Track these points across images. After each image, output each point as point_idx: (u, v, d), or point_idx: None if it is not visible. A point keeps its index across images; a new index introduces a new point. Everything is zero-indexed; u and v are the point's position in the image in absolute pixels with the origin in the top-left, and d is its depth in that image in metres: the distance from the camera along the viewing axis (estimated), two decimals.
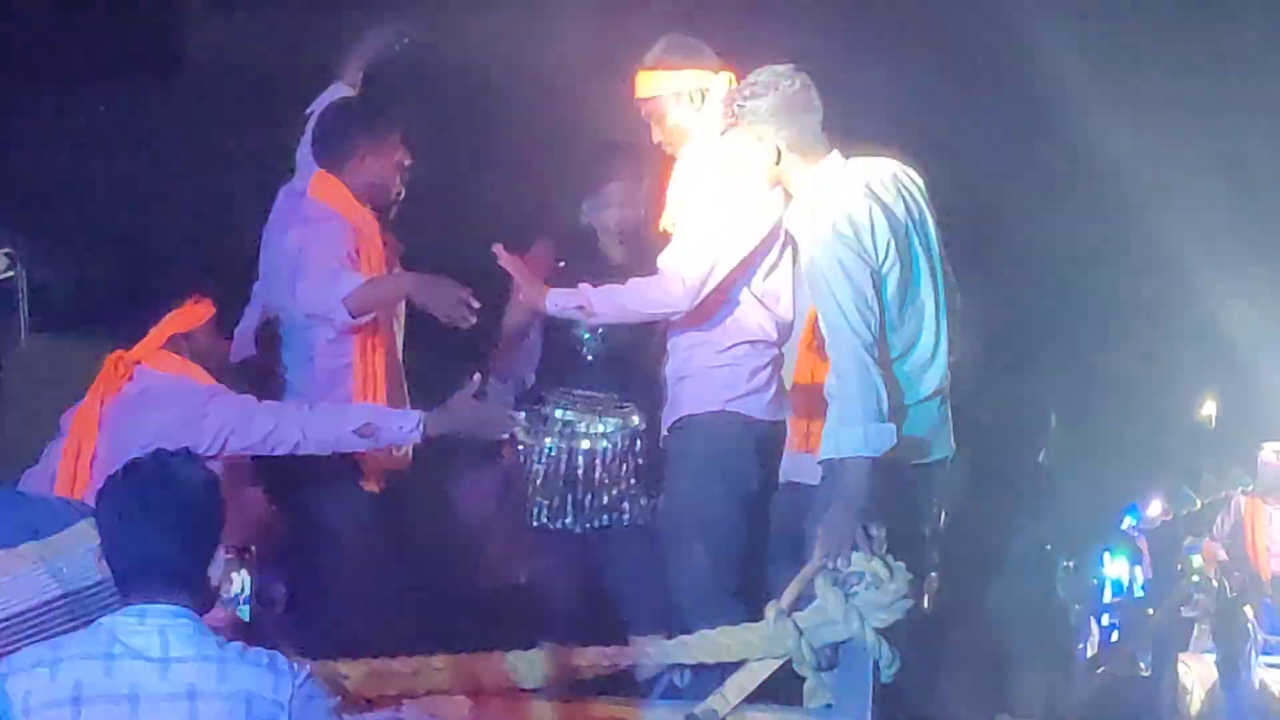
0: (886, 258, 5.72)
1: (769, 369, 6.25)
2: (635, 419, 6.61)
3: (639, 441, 6.61)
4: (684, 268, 6.06)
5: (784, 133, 5.85)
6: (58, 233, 14.03)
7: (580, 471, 6.64)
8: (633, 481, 6.60)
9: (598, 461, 6.64)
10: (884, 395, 5.58)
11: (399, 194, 6.73)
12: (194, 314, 6.38)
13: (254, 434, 6.21)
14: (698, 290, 6.07)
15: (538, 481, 6.69)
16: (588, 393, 6.68)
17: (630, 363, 6.58)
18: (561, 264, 6.74)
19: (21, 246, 7.72)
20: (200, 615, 4.07)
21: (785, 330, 6.29)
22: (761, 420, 6.19)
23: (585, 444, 6.68)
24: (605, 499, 6.63)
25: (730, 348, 6.19)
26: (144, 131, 17.57)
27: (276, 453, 6.23)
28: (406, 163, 6.70)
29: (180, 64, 18.42)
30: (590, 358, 6.64)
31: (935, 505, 6.11)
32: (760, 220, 6.14)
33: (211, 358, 6.37)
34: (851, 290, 5.62)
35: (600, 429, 6.67)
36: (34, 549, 4.29)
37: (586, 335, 6.63)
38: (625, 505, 6.61)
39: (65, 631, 4.15)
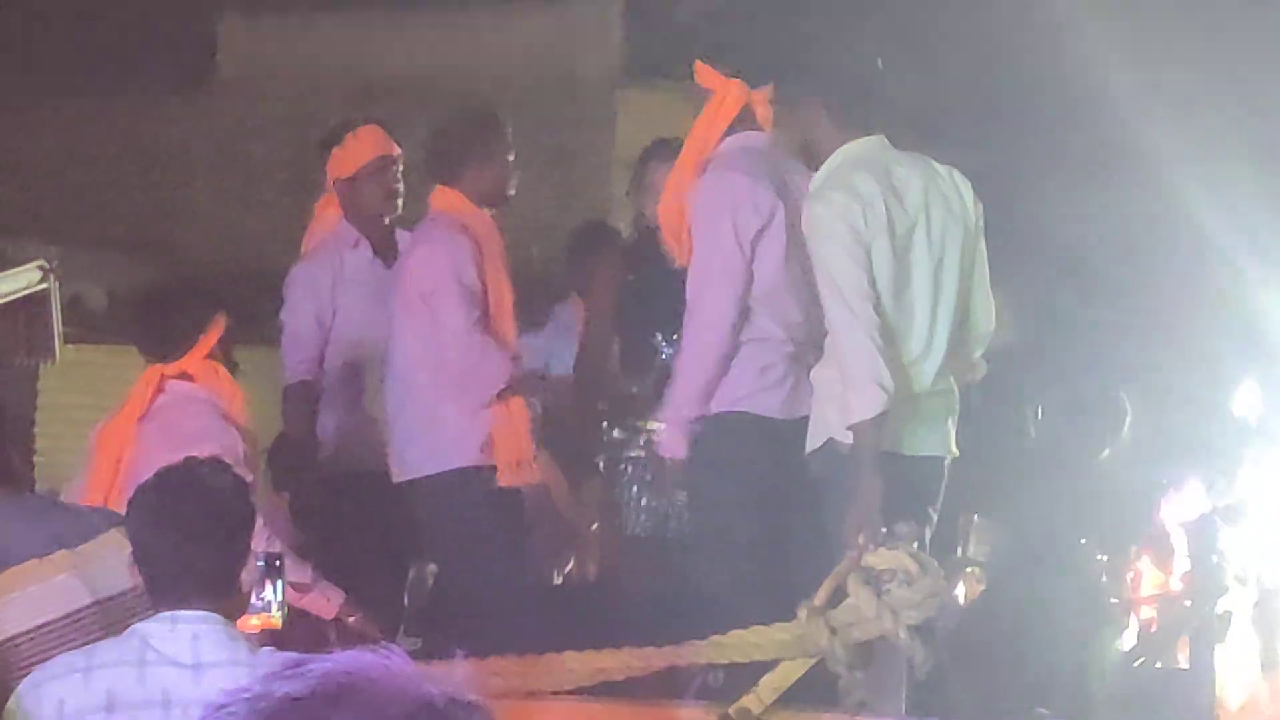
0: (877, 239, 5.79)
1: (781, 366, 6.22)
2: None
3: None
4: (712, 318, 6.08)
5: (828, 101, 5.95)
6: (90, 245, 14.14)
7: (624, 482, 6.69)
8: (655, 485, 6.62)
9: (637, 471, 6.69)
10: (879, 360, 5.67)
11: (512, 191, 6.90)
12: (221, 324, 6.40)
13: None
14: (733, 325, 6.09)
15: (632, 491, 6.73)
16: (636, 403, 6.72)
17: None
18: (631, 278, 6.82)
19: (55, 258, 7.73)
20: (233, 620, 4.09)
21: (796, 327, 6.25)
22: (776, 419, 6.16)
23: (629, 454, 6.72)
24: (638, 505, 6.68)
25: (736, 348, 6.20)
26: (177, 144, 17.64)
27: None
28: (511, 158, 6.84)
29: (213, 78, 18.54)
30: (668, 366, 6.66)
31: (934, 503, 6.10)
32: (761, 234, 6.15)
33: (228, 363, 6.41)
34: (846, 259, 5.73)
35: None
36: (66, 557, 4.32)
37: (663, 344, 6.67)
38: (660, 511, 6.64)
39: (98, 639, 4.18)
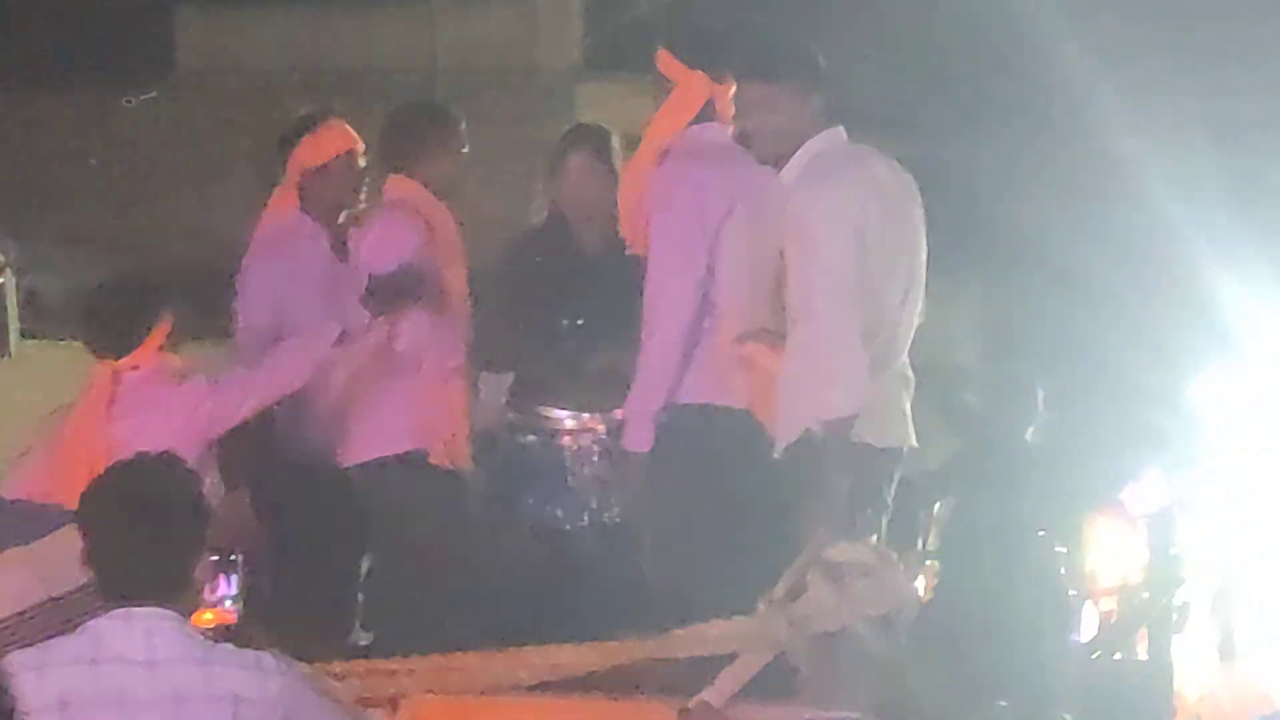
0: (872, 229, 5.80)
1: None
2: (619, 414, 6.61)
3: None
4: (675, 309, 6.07)
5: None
6: (47, 238, 14.06)
7: (566, 468, 6.65)
8: (613, 477, 6.59)
9: (583, 457, 6.65)
10: (864, 357, 5.69)
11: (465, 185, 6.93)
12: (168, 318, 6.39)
13: (230, 407, 6.26)
14: (695, 316, 6.08)
15: (527, 478, 6.70)
16: (573, 388, 6.69)
17: (612, 357, 6.57)
18: (538, 260, 6.81)
19: (11, 252, 7.68)
20: (187, 616, 4.07)
21: (757, 319, 6.23)
22: (736, 409, 6.15)
23: (569, 440, 6.69)
24: (591, 496, 6.65)
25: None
26: (135, 137, 17.56)
27: (226, 423, 6.30)
28: (464, 151, 6.87)
29: (172, 70, 18.46)
30: (572, 352, 6.66)
31: (890, 493, 6.11)
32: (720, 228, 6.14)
33: None
34: (846, 251, 5.73)
35: (583, 425, 6.69)
36: (19, 554, 4.30)
37: (568, 329, 6.65)
38: (609, 501, 6.61)
39: (52, 636, 4.15)
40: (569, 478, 6.74)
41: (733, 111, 6.21)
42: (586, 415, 6.74)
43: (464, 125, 6.90)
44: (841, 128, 6.09)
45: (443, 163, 6.78)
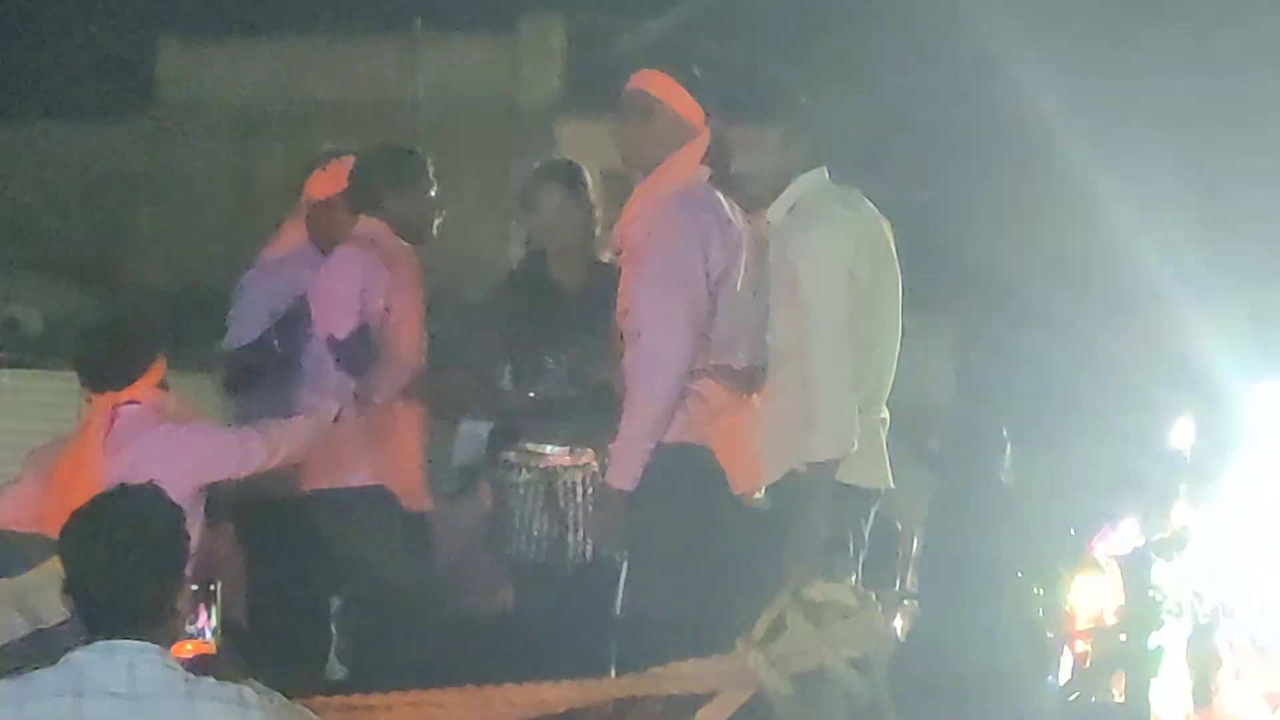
0: (869, 265, 5.83)
1: (724, 398, 6.22)
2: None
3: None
4: (674, 352, 6.09)
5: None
6: (26, 268, 14.06)
7: (558, 506, 6.65)
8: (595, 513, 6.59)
9: (572, 496, 6.66)
10: (852, 399, 5.72)
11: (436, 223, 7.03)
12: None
13: (229, 462, 6.32)
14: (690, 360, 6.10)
15: (517, 515, 6.71)
16: (561, 426, 6.69)
17: (598, 395, 6.58)
18: (521, 300, 6.83)
19: None
20: (168, 647, 4.07)
21: (740, 360, 6.25)
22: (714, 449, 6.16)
23: (563, 478, 6.70)
24: (578, 533, 6.65)
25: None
26: (114, 167, 17.57)
27: (242, 475, 6.39)
28: (432, 194, 7.00)
29: (153, 102, 18.48)
30: (560, 389, 6.66)
31: (877, 530, 6.15)
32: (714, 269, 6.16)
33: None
34: (839, 294, 5.77)
35: (574, 461, 6.69)
36: (5, 586, 4.29)
37: (552, 365, 6.66)
38: (592, 538, 6.61)
39: (35, 668, 4.14)
40: (557, 513, 6.74)
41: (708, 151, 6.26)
42: (583, 451, 6.74)
43: (430, 167, 7.03)
44: (825, 168, 6.13)
45: (408, 204, 6.91)
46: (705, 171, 6.24)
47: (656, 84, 6.33)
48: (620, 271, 6.40)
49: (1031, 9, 11.72)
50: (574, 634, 6.57)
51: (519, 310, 6.90)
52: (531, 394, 6.71)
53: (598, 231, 6.85)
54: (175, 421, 6.30)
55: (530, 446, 6.73)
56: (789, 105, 6.20)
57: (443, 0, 16.90)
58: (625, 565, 6.48)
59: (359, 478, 6.74)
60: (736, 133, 6.12)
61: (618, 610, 6.59)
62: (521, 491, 6.70)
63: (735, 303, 6.13)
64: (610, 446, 6.24)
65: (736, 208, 6.20)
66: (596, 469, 6.63)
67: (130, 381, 6.27)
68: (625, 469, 6.10)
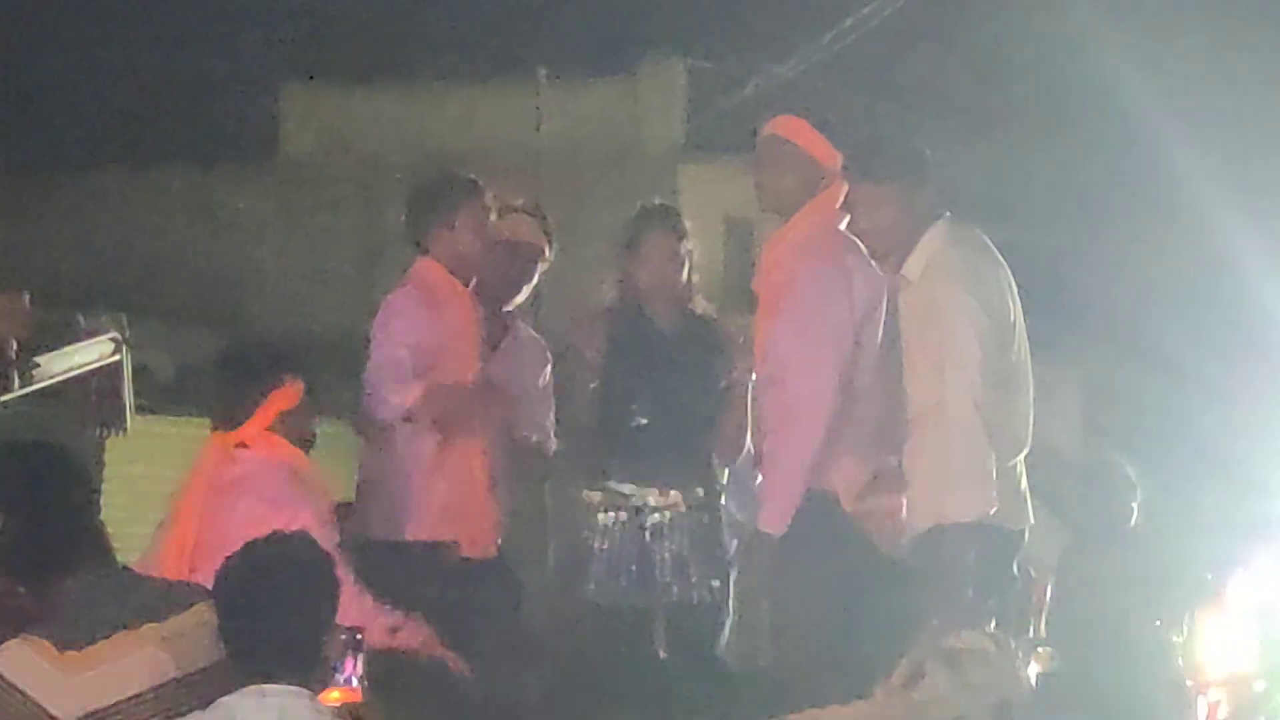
0: (1004, 317, 5.83)
1: (867, 446, 6.22)
2: (699, 490, 6.61)
3: (704, 516, 6.62)
4: (822, 399, 6.07)
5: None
6: (157, 315, 14.21)
7: (647, 546, 6.65)
8: (699, 557, 6.58)
9: (663, 536, 6.66)
10: (992, 456, 5.71)
11: (499, 263, 6.83)
12: (289, 393, 6.38)
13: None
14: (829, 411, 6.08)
15: (605, 558, 6.71)
16: (646, 466, 6.69)
17: (686, 437, 6.59)
18: (616, 340, 6.82)
19: (125, 329, 7.76)
20: (316, 694, 4.10)
21: (881, 408, 6.23)
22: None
23: (652, 518, 6.69)
24: (672, 575, 6.64)
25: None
26: (242, 214, 17.75)
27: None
28: (490, 222, 6.77)
29: (277, 148, 18.68)
30: (646, 431, 6.66)
31: (1018, 574, 6.13)
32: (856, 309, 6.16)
33: (304, 435, 6.38)
34: (979, 345, 5.75)
35: (664, 502, 6.69)
36: (153, 630, 4.33)
37: (639, 416, 6.67)
38: (694, 581, 6.60)
39: (184, 712, 4.18)
40: (648, 555, 6.73)
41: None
42: (670, 492, 6.73)
43: (488, 196, 6.76)
44: (948, 214, 6.13)
45: (461, 238, 6.69)
46: (844, 217, 6.25)
47: (790, 128, 6.36)
48: (714, 321, 6.54)
49: (1156, 53, 11.66)
50: (664, 678, 6.56)
51: (611, 349, 6.90)
52: (637, 423, 6.69)
53: (693, 279, 6.84)
54: (283, 465, 6.22)
55: (617, 486, 6.74)
56: (914, 161, 6.21)
57: (565, 46, 17.01)
58: (730, 610, 6.48)
59: (430, 531, 6.57)
60: (861, 189, 6.13)
61: (719, 653, 6.57)
62: (608, 532, 6.70)
63: (872, 352, 6.13)
64: (757, 492, 6.24)
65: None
66: (684, 510, 6.63)
67: (237, 423, 6.23)
68: (775, 514, 6.10)
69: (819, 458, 6.07)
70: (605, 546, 6.68)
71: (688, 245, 6.84)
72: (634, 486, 6.69)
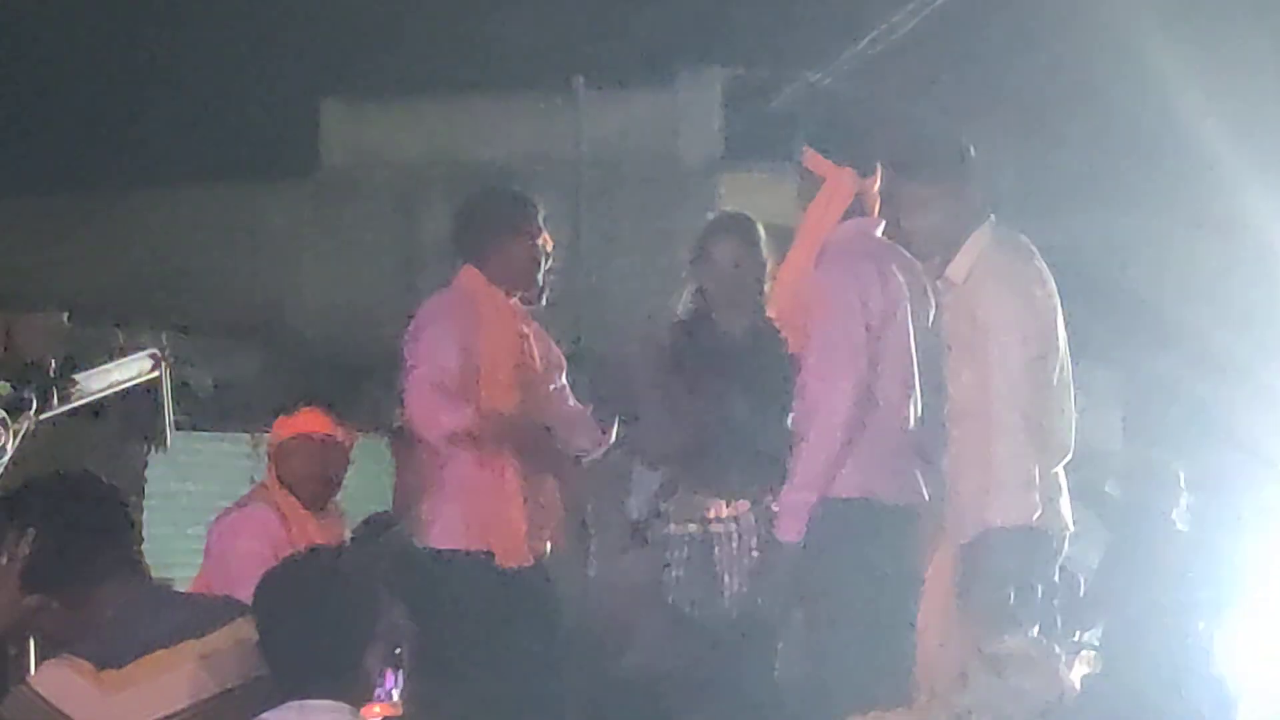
0: (1049, 322, 5.81)
1: (902, 453, 6.17)
2: (769, 500, 6.59)
3: (769, 526, 6.60)
4: (837, 404, 6.04)
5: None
6: (198, 330, 14.25)
7: (713, 558, 6.64)
8: (763, 566, 6.56)
9: (728, 547, 6.64)
10: (1035, 460, 5.69)
11: (547, 279, 6.85)
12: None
13: None
14: (857, 412, 6.05)
15: (675, 569, 6.70)
16: (718, 477, 6.68)
17: (758, 446, 6.57)
18: (684, 346, 6.80)
19: (165, 345, 7.80)
20: (357, 709, 4.11)
21: (915, 414, 6.19)
22: (893, 504, 6.10)
23: (719, 529, 6.68)
24: (740, 584, 6.63)
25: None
26: (282, 229, 17.80)
27: None
28: (548, 247, 6.82)
29: (318, 163, 18.70)
30: (716, 441, 6.64)
31: (1060, 577, 6.10)
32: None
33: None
34: (1024, 350, 5.73)
35: (732, 513, 6.68)
36: (193, 647, 4.34)
37: (709, 414, 6.66)
38: (760, 590, 6.59)
39: None
40: (719, 567, 6.72)
41: (879, 203, 6.22)
42: (739, 502, 6.72)
43: (540, 212, 6.84)
44: (993, 217, 6.10)
45: (512, 252, 6.75)
46: (874, 223, 6.21)
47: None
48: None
49: (1198, 47, 11.62)
50: (732, 691, 6.55)
51: (681, 359, 6.89)
52: (707, 433, 6.67)
53: (767, 287, 6.81)
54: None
55: (687, 497, 6.73)
56: (957, 161, 6.17)
57: (602, 57, 17.00)
58: (800, 618, 6.44)
59: (465, 540, 6.59)
60: (906, 190, 6.10)
61: (777, 666, 6.55)
62: (677, 543, 6.69)
63: (907, 355, 6.09)
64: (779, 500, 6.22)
65: (915, 261, 6.15)
66: (754, 521, 6.62)
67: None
68: (788, 522, 6.08)
69: (834, 466, 6.02)
70: (676, 556, 6.68)
71: (764, 251, 6.81)
72: (703, 497, 6.68)
